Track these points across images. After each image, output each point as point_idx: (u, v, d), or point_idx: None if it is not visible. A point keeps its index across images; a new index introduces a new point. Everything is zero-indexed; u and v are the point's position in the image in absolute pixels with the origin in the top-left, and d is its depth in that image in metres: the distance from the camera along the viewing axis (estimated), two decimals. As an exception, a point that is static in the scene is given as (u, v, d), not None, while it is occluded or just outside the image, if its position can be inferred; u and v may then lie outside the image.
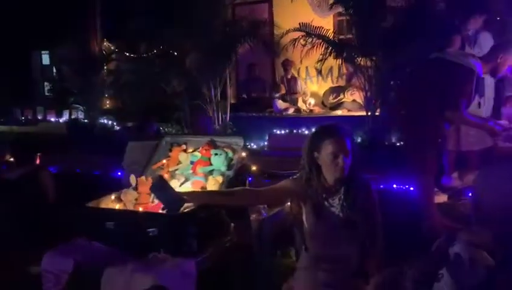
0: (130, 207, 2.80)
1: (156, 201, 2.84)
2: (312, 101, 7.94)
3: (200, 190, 2.70)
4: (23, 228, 3.82)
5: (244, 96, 8.22)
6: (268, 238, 3.04)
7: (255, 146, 7.28)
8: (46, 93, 11.79)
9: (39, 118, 9.87)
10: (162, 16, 7.29)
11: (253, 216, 2.95)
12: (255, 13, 7.82)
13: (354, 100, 7.50)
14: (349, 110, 7.52)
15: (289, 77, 7.93)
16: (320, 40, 6.55)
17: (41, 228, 3.85)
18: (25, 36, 11.10)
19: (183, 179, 2.84)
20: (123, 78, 8.43)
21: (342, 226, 2.36)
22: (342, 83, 8.07)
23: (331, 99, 7.65)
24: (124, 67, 8.54)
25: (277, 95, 7.99)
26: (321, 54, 6.47)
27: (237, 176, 2.74)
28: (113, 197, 2.81)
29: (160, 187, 2.37)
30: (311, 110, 7.67)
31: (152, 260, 2.30)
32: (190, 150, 3.05)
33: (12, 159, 5.19)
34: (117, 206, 2.79)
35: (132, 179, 2.94)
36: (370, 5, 6.36)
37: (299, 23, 6.60)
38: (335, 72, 8.27)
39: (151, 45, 8.41)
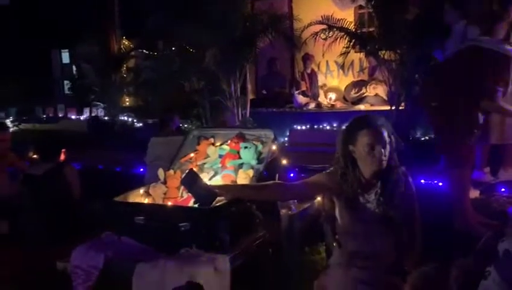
0: (159, 201, 2.72)
1: (185, 195, 2.76)
2: (333, 96, 7.80)
3: (231, 183, 2.62)
4: (48, 223, 3.79)
5: (264, 91, 8.10)
6: (298, 233, 2.94)
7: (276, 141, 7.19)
8: (67, 92, 11.88)
9: (60, 115, 9.92)
10: (181, 13, 7.23)
11: (283, 211, 2.85)
12: (274, 7, 7.69)
13: (376, 94, 7.34)
14: (371, 105, 7.36)
15: (309, 71, 7.80)
16: (343, 33, 6.42)
17: (66, 222, 3.82)
18: (45, 35, 11.18)
19: (212, 173, 2.76)
20: (143, 75, 8.41)
21: (378, 222, 2.24)
22: (363, 77, 7.91)
23: (352, 94, 7.50)
24: (144, 64, 8.50)
25: (296, 92, 7.86)
26: (344, 47, 6.34)
27: (268, 169, 2.64)
28: (141, 191, 2.74)
29: (192, 181, 2.29)
30: (332, 105, 7.53)
31: (184, 256, 2.22)
32: (218, 143, 2.96)
33: (35, 156, 5.21)
34: (146, 200, 2.72)
35: (160, 172, 2.87)
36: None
37: (321, 16, 6.46)
38: (356, 66, 8.12)
39: (170, 42, 8.35)
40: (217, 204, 2.29)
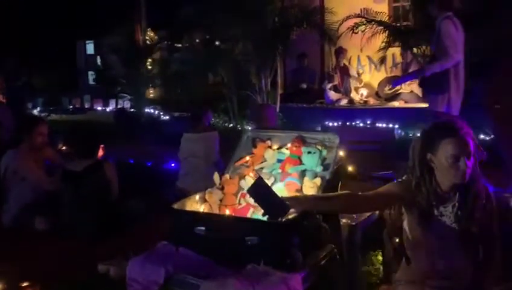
0: (216, 208, 2.50)
1: (243, 202, 2.53)
2: (364, 91, 7.51)
3: (295, 192, 2.39)
4: (89, 221, 3.62)
5: (299, 86, 7.79)
6: (359, 245, 2.72)
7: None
8: (91, 82, 11.73)
9: (86, 106, 9.77)
10: (213, 4, 6.99)
11: (343, 221, 2.62)
12: (306, 0, 7.43)
13: (411, 91, 7.04)
14: (406, 102, 7.07)
15: (341, 66, 7.50)
16: (382, 27, 6.13)
17: (107, 221, 3.66)
18: (70, 27, 11.03)
19: (272, 179, 2.52)
20: (171, 68, 8.20)
21: (456, 238, 2.02)
22: (397, 72, 7.59)
23: (386, 90, 7.19)
24: (172, 57, 8.28)
25: (329, 85, 7.59)
26: (383, 42, 6.06)
27: (334, 178, 2.40)
28: (197, 197, 2.52)
29: (261, 191, 2.05)
30: (365, 102, 7.24)
31: (252, 273, 2.00)
32: (275, 146, 2.73)
33: (65, 148, 5.03)
34: (202, 207, 2.50)
35: (216, 177, 2.64)
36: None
37: (360, 9, 6.17)
38: (389, 62, 7.79)
39: (199, 34, 8.12)
40: (288, 217, 2.06)
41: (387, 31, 6.03)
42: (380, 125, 6.66)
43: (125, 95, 9.33)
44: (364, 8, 6.20)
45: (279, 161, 2.67)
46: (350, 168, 2.50)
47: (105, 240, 3.46)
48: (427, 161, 2.00)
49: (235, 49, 7.29)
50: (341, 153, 2.49)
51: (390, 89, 7.02)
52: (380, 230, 2.39)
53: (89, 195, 3.65)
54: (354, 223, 2.64)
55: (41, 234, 3.74)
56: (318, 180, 2.36)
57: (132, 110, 9.11)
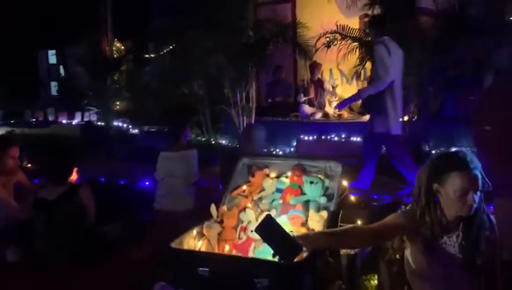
0: (214, 244, 2.35)
1: (244, 237, 2.40)
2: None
3: (300, 226, 2.27)
4: (63, 250, 3.38)
5: (270, 100, 7.73)
6: (359, 273, 2.64)
7: (281, 152, 6.87)
8: (53, 93, 11.22)
9: (50, 119, 9.29)
10: (187, 16, 6.81)
11: (343, 250, 2.54)
12: (278, 14, 7.37)
13: (384, 105, 7.09)
14: (379, 115, 7.10)
15: (316, 79, 7.48)
16: (356, 43, 6.14)
17: (82, 249, 3.42)
18: (30, 35, 10.51)
19: (274, 212, 2.40)
20: (141, 80, 7.92)
21: (459, 268, 2.01)
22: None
23: (360, 104, 7.21)
24: (141, 69, 8.01)
25: (303, 98, 7.55)
26: (358, 58, 6.07)
27: (338, 209, 2.31)
28: (194, 232, 2.36)
29: (270, 229, 1.92)
30: (339, 115, 7.23)
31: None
32: (273, 174, 2.60)
33: (30, 165, 4.69)
34: (200, 242, 2.34)
35: (212, 209, 2.49)
36: (405, 6, 5.96)
37: (336, 25, 6.15)
38: (361, 75, 7.84)
39: (170, 45, 7.90)
40: (300, 256, 1.94)
41: (361, 47, 6.00)
42: (355, 139, 6.64)
43: (92, 107, 8.94)
44: (340, 24, 6.17)
45: (278, 190, 2.56)
46: (352, 198, 2.41)
47: (81, 270, 3.26)
48: (433, 191, 1.96)
49: (209, 61, 7.11)
50: (344, 182, 2.39)
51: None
52: (374, 256, 2.34)
53: (62, 224, 3.39)
54: (353, 253, 2.56)
55: (13, 266, 3.46)
56: (324, 213, 2.26)
57: (99, 123, 8.74)
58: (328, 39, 6.37)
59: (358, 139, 6.63)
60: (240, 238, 2.37)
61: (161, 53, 8.14)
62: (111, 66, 8.52)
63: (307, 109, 7.23)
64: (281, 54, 7.44)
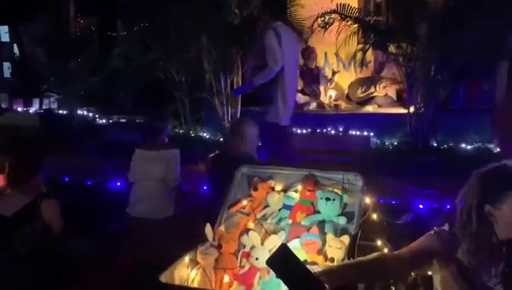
0: (211, 274, 2.11)
1: (246, 264, 2.16)
2: (333, 93, 7.30)
3: (316, 254, 2.04)
4: (24, 276, 3.08)
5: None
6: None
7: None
8: (6, 76, 10.71)
9: (3, 106, 8.84)
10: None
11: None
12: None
13: (386, 94, 6.93)
14: (380, 106, 6.95)
15: (312, 66, 7.23)
16: (357, 25, 5.92)
17: (46, 272, 3.14)
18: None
19: (282, 235, 2.16)
20: (110, 63, 7.55)
21: None
22: (367, 72, 7.45)
23: (359, 93, 7.04)
24: (111, 50, 7.63)
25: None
26: (360, 43, 5.86)
27: (360, 233, 2.09)
28: (187, 259, 2.10)
29: (286, 262, 1.68)
30: (336, 106, 7.03)
31: None
32: (278, 187, 2.37)
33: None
34: (194, 272, 2.10)
35: (208, 230, 2.23)
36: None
37: (337, 4, 5.91)
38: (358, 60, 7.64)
39: (142, 23, 7.54)
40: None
41: (365, 30, 5.79)
42: (354, 132, 6.47)
43: (52, 93, 8.53)
44: (340, 3, 5.93)
45: (286, 207, 2.32)
46: (374, 216, 2.20)
47: None
48: (485, 213, 1.83)
49: (188, 42, 6.79)
50: (368, 200, 2.17)
51: (363, 92, 6.87)
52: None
53: (22, 246, 3.08)
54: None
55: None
56: (346, 239, 2.03)
57: (61, 111, 8.35)
58: (324, 20, 6.14)
59: (358, 133, 6.47)
60: (241, 266, 2.13)
61: (132, 32, 7.77)
62: (74, 46, 8.10)
63: (300, 97, 7.00)
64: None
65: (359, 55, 5.87)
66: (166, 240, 3.78)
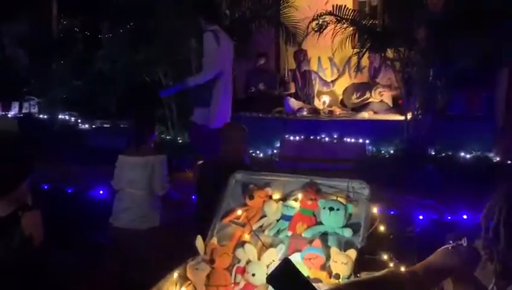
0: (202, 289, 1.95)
1: (241, 281, 2.00)
2: (327, 99, 7.19)
3: (319, 270, 1.88)
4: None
5: (253, 89, 7.28)
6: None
7: (261, 155, 6.51)
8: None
9: (-22, 110, 8.57)
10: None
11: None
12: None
13: (381, 100, 6.83)
14: (375, 112, 6.85)
15: (303, 70, 7.11)
16: (353, 28, 5.82)
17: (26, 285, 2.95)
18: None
19: (281, 248, 2.00)
20: (94, 65, 7.37)
21: None
22: (362, 78, 7.36)
23: (354, 99, 6.94)
24: (95, 52, 7.46)
25: (286, 92, 7.19)
26: (354, 47, 5.77)
27: (368, 246, 1.94)
28: (175, 275, 1.94)
29: (289, 279, 1.53)
30: (330, 111, 6.91)
31: None
32: (276, 195, 2.22)
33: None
34: (183, 289, 1.93)
35: (199, 242, 2.07)
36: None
37: (333, 6, 5.81)
38: (353, 64, 7.55)
39: (128, 24, 7.38)
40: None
41: (362, 33, 5.69)
42: (349, 140, 6.36)
43: (33, 97, 8.30)
44: (336, 4, 5.82)
45: (285, 217, 2.17)
46: (382, 228, 2.05)
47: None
48: None
49: (177, 44, 6.66)
50: (375, 210, 2.02)
51: (358, 98, 6.78)
52: None
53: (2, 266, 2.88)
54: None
55: None
56: (353, 253, 1.88)
57: (42, 116, 8.13)
58: (319, 22, 6.03)
59: (353, 140, 6.36)
60: (236, 283, 1.97)
61: (118, 33, 7.60)
62: (56, 48, 7.90)
63: (293, 102, 6.88)
64: (262, 39, 7.07)
65: (354, 59, 5.74)
66: (153, 253, 3.65)
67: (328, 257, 1.93)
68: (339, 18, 5.75)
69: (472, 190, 4.61)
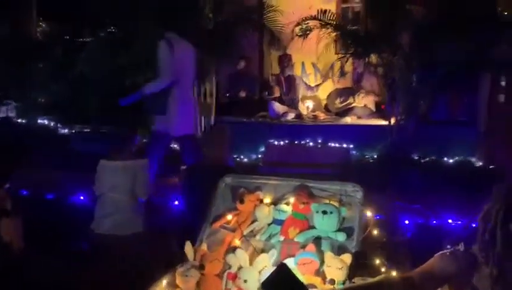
0: (193, 300, 1.89)
1: (233, 288, 1.95)
2: (311, 104, 7.18)
3: (314, 275, 1.85)
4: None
5: (231, 96, 7.27)
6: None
7: (245, 159, 6.47)
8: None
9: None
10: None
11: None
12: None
13: (365, 105, 6.86)
14: (359, 117, 6.87)
15: (288, 75, 7.11)
16: (338, 32, 5.84)
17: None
18: None
19: (273, 253, 1.96)
20: (74, 69, 7.25)
21: None
22: (345, 83, 7.39)
23: (337, 104, 6.96)
24: (75, 56, 7.34)
25: (270, 96, 7.17)
26: (337, 53, 5.79)
27: (363, 250, 1.92)
28: (164, 283, 1.89)
29: (285, 285, 1.50)
30: (314, 116, 6.91)
31: None
32: (267, 199, 2.18)
33: None
34: (171, 297, 1.88)
35: (188, 248, 2.02)
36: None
37: (318, 10, 5.82)
38: (337, 70, 7.57)
39: (109, 28, 7.29)
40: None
41: (346, 38, 5.71)
42: (333, 144, 6.36)
43: (10, 101, 8.13)
44: (321, 9, 5.84)
45: (276, 221, 2.13)
46: (375, 232, 2.02)
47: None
48: (511, 234, 1.68)
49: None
50: (369, 213, 1.99)
51: (341, 102, 6.80)
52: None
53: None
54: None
55: None
56: (347, 258, 1.85)
57: (20, 120, 7.96)
58: (303, 27, 6.03)
59: (337, 145, 6.36)
60: (227, 289, 1.92)
61: (99, 37, 7.51)
62: (35, 51, 7.75)
63: (277, 107, 6.86)
64: (245, 43, 7.04)
65: (338, 64, 5.77)
66: (137, 259, 3.58)
67: (322, 262, 1.89)
68: (323, 23, 5.74)
69: (456, 195, 4.67)
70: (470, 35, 5.32)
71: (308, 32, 5.84)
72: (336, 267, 1.83)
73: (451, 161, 6.00)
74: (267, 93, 7.23)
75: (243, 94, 7.21)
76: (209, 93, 6.82)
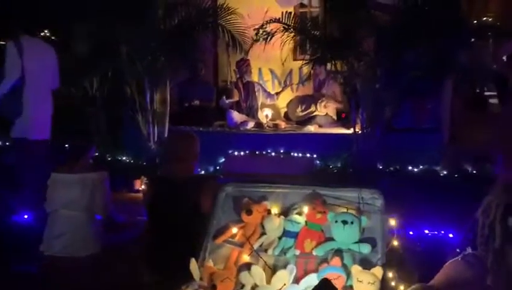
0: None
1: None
2: (269, 112, 7.10)
3: (342, 291, 1.72)
4: None
5: (186, 104, 7.08)
6: None
7: (203, 172, 6.28)
8: None
9: None
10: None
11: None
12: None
13: (326, 114, 6.86)
14: (320, 126, 6.86)
15: (246, 81, 7.00)
16: (300, 36, 5.81)
17: None
18: None
19: (292, 269, 1.79)
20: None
21: None
22: (305, 90, 7.37)
23: (299, 112, 6.91)
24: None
25: (227, 101, 7.04)
26: (304, 57, 5.75)
27: (390, 262, 1.81)
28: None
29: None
30: (275, 125, 6.83)
31: None
32: (275, 209, 2.02)
33: None
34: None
35: (193, 266, 1.83)
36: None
37: (282, 13, 5.77)
38: (295, 77, 7.55)
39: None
40: None
41: (311, 42, 5.69)
42: (296, 154, 6.31)
43: None
44: (285, 12, 5.80)
45: (288, 234, 1.97)
46: (396, 243, 1.92)
47: None
48: (509, 228, 1.71)
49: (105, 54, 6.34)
50: (393, 222, 1.89)
51: (303, 111, 6.78)
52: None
53: None
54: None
55: None
56: (378, 271, 1.73)
57: None
58: (265, 30, 5.96)
59: (300, 154, 6.32)
60: (242, 314, 1.75)
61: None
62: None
63: (236, 116, 6.72)
64: (199, 47, 6.89)
65: (305, 69, 5.73)
66: (94, 283, 3.37)
67: (347, 277, 1.77)
68: (286, 26, 5.69)
69: (423, 204, 4.73)
70: (435, 40, 5.43)
71: (271, 36, 5.75)
72: (368, 282, 1.70)
73: (416, 169, 6.07)
74: (225, 97, 7.09)
75: (196, 103, 7.03)
76: (161, 101, 6.61)
